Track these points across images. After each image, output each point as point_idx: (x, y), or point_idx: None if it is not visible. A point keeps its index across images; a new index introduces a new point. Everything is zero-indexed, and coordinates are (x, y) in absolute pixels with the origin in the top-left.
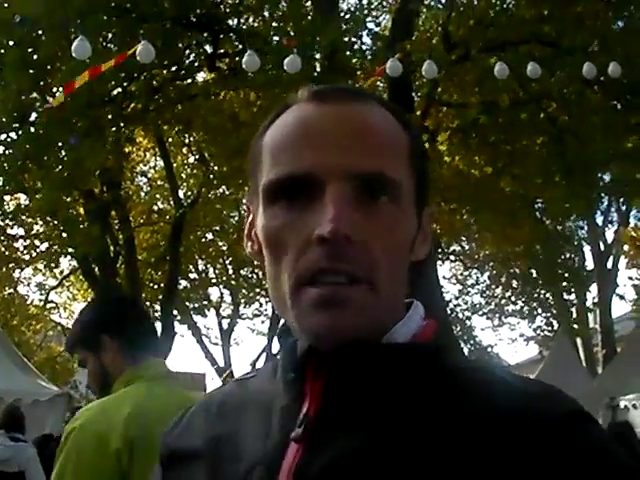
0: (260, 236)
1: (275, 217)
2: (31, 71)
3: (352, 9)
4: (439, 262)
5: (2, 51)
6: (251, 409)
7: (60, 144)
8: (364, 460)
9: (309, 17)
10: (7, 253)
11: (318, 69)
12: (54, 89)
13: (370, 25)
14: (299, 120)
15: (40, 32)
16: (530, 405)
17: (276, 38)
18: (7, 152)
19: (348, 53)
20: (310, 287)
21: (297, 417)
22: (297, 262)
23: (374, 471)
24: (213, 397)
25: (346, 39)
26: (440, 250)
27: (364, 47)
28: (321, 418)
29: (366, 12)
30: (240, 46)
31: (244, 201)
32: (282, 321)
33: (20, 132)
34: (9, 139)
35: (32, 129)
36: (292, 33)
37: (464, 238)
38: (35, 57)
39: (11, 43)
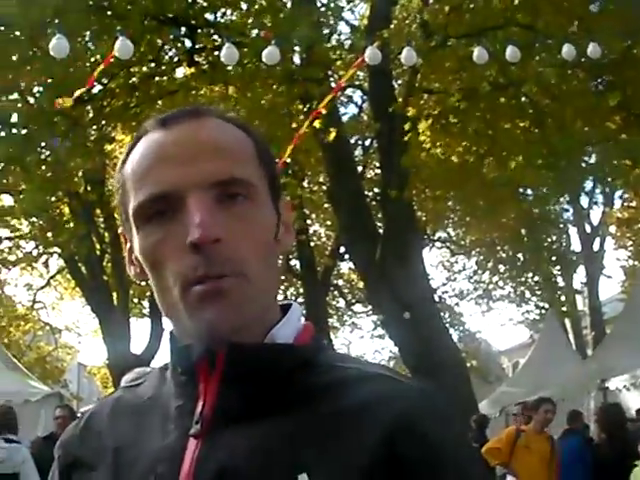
0: (140, 257)
1: (148, 236)
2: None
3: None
4: (425, 249)
5: None
6: (146, 413)
7: (42, 145)
8: (256, 451)
9: (286, 9)
10: None
11: (297, 62)
12: (34, 90)
13: (347, 15)
14: (150, 146)
15: (17, 33)
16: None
17: (254, 31)
18: None
19: (327, 45)
20: (194, 286)
21: (193, 415)
22: (177, 270)
23: (265, 460)
24: (105, 405)
25: (325, 31)
26: (426, 237)
27: (342, 37)
28: (216, 415)
29: (343, 2)
30: (219, 40)
31: (119, 231)
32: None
33: (1, 134)
34: None
35: (13, 130)
36: (269, 25)
37: (450, 224)
38: (13, 58)
39: None
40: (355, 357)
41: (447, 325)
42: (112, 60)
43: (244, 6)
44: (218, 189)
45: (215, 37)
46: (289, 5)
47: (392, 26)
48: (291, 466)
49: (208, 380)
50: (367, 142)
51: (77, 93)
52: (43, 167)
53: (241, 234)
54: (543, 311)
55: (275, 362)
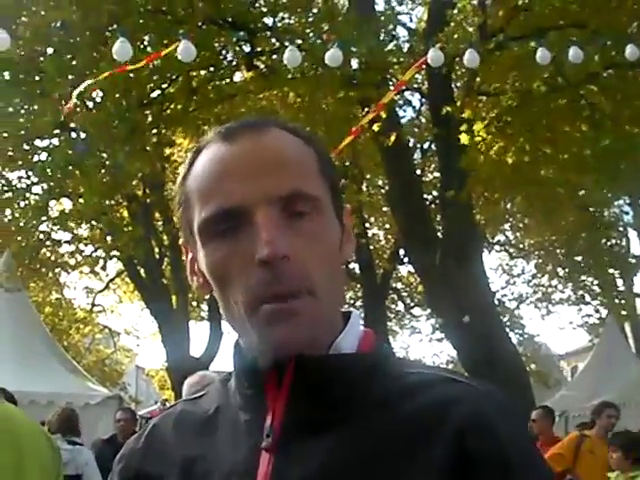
0: (205, 272)
1: (214, 251)
2: (70, 77)
3: (386, 5)
4: (484, 253)
5: (41, 59)
6: (213, 426)
7: (100, 149)
8: (330, 463)
9: (343, 12)
10: (53, 258)
11: (355, 66)
12: (94, 94)
13: (405, 18)
14: (215, 160)
15: (77, 39)
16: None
17: (313, 34)
18: (49, 158)
19: (385, 50)
20: (262, 305)
21: (262, 428)
22: (244, 287)
23: (341, 471)
24: (168, 417)
25: (383, 36)
26: (485, 240)
27: (400, 40)
28: (286, 427)
29: (400, 6)
30: (277, 44)
31: (180, 242)
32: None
33: (61, 138)
34: (51, 145)
35: (73, 135)
36: (327, 29)
37: (508, 228)
38: (73, 63)
39: (49, 51)
40: (416, 361)
41: (506, 329)
42: (168, 63)
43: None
44: (284, 204)
45: (273, 41)
46: (345, 9)
47: (447, 29)
48: (367, 476)
49: (276, 393)
50: (425, 145)
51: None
52: (102, 171)
53: (308, 251)
54: (603, 315)
55: (342, 372)
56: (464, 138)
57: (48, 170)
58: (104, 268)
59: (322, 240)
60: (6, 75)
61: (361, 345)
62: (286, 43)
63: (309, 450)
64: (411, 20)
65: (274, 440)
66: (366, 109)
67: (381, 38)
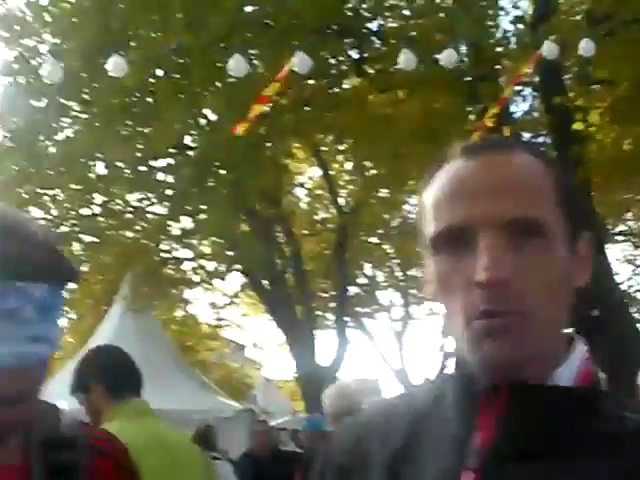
0: (433, 282)
1: (440, 265)
2: (181, 96)
3: None
4: (608, 244)
5: (152, 81)
6: (422, 430)
7: (217, 165)
8: None
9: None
10: (177, 275)
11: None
12: (206, 111)
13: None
14: (451, 176)
15: (187, 59)
16: None
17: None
18: (167, 179)
19: (492, 41)
20: (474, 321)
21: (469, 447)
22: (464, 302)
23: None
24: (378, 414)
25: (491, 27)
26: (607, 231)
27: (508, 34)
28: (492, 450)
29: None
30: (384, 48)
31: (418, 248)
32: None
33: (178, 157)
34: (167, 165)
35: (190, 153)
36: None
37: (631, 217)
38: (185, 82)
39: (160, 73)
40: (633, 401)
41: (634, 320)
42: (287, 75)
43: (407, 12)
44: (511, 228)
45: (379, 45)
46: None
47: (553, 18)
48: None
49: (488, 415)
50: (540, 140)
51: (253, 113)
52: (223, 188)
53: (529, 275)
54: None
55: (557, 405)
56: (578, 125)
57: (166, 191)
58: (223, 279)
59: (546, 267)
60: (119, 100)
61: (581, 376)
62: (398, 45)
63: (512, 478)
64: (516, 9)
65: (480, 462)
66: (479, 106)
67: (489, 28)
